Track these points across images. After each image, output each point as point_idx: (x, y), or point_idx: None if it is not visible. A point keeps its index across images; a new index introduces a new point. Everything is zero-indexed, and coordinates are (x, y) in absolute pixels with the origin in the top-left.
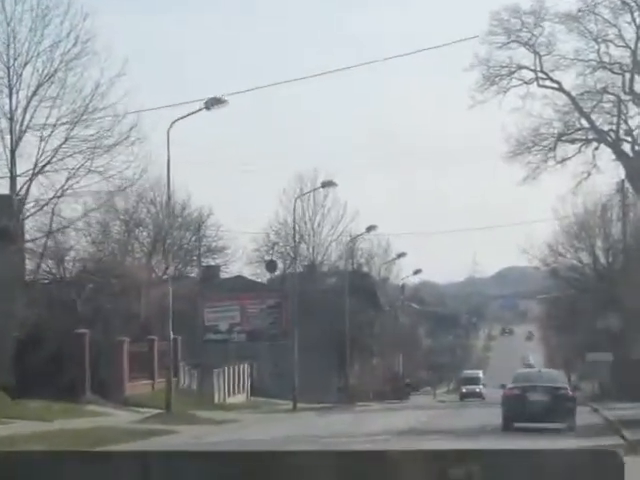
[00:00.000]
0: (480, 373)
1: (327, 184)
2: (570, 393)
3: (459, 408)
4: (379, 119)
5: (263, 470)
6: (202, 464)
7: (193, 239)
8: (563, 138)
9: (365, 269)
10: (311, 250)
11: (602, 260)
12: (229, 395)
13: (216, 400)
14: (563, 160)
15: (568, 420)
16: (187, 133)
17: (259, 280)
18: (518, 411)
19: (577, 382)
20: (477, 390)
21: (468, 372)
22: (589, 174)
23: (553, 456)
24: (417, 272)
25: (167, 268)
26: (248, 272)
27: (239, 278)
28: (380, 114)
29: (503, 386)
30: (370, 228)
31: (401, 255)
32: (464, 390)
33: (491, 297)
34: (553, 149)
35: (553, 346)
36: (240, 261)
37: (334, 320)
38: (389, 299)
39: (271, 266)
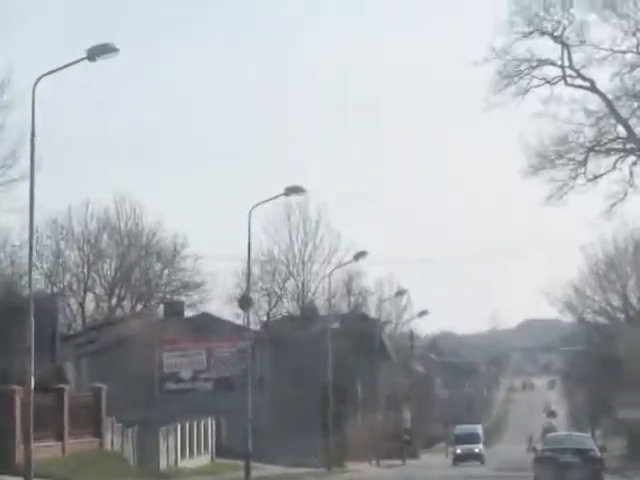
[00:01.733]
0: (479, 429)
1: (293, 190)
2: (598, 455)
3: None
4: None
5: None
6: None
7: (163, 271)
8: (595, 149)
9: (370, 314)
10: (300, 286)
11: (634, 302)
12: (184, 457)
13: (163, 465)
14: (595, 178)
15: None
16: None
17: (239, 322)
18: (549, 472)
19: (603, 440)
20: (476, 451)
21: (463, 427)
22: (625, 195)
23: None
24: (422, 313)
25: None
26: (229, 312)
27: (205, 316)
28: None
29: (534, 449)
30: (359, 255)
31: (402, 292)
32: (458, 451)
33: (512, 349)
34: (583, 163)
35: (577, 400)
36: (219, 299)
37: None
38: (397, 347)
39: (245, 302)
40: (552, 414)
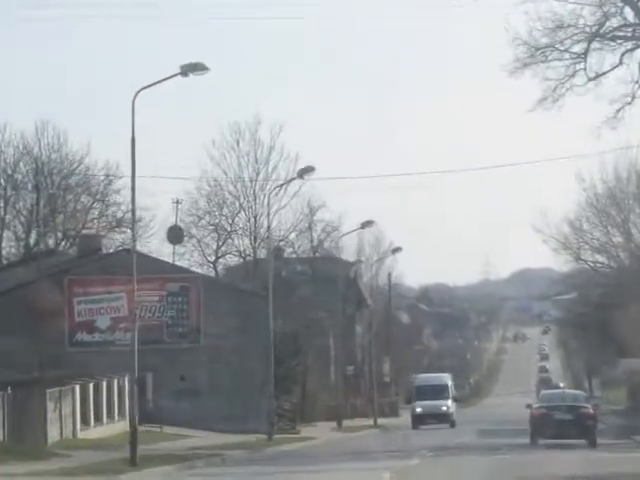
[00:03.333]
0: (447, 379)
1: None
2: (591, 411)
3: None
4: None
5: None
6: None
7: (93, 205)
8: (597, 38)
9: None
10: (252, 220)
11: (638, 239)
12: (86, 426)
13: (54, 438)
14: (597, 76)
15: (589, 437)
16: None
17: (180, 263)
18: (544, 429)
19: (601, 390)
20: (443, 409)
21: (425, 377)
22: (633, 97)
23: None
24: (396, 250)
25: None
26: (170, 252)
27: (128, 253)
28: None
29: (529, 406)
30: (304, 171)
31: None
32: (418, 410)
33: (505, 299)
34: (583, 57)
35: (572, 349)
36: (158, 236)
37: (288, 319)
38: (379, 294)
39: (174, 235)
40: (545, 370)
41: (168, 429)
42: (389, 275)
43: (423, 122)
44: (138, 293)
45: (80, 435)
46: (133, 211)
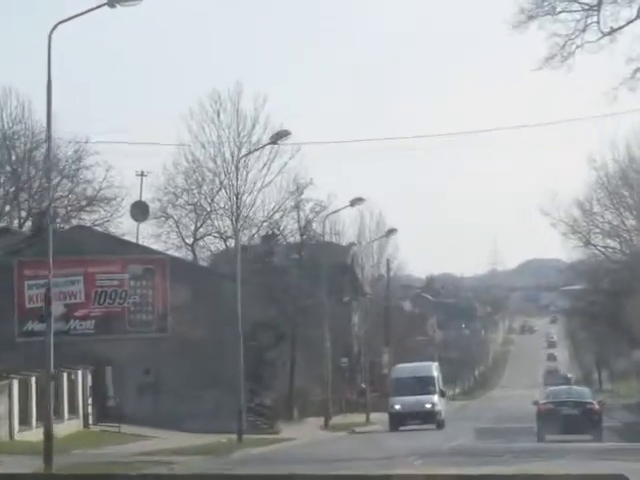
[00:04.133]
0: (433, 369)
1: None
2: (596, 407)
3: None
4: None
5: None
6: None
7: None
8: None
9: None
10: (234, 199)
11: None
12: (26, 426)
13: None
14: (612, 31)
15: (595, 432)
16: None
17: (156, 244)
18: (551, 424)
19: (610, 383)
20: (427, 407)
21: (406, 368)
22: None
23: None
24: (391, 232)
25: None
26: (145, 233)
27: (87, 232)
28: None
29: (536, 402)
30: (278, 136)
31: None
32: (397, 407)
33: (512, 289)
34: (596, 9)
35: (580, 340)
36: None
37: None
38: (376, 283)
39: (139, 211)
40: (553, 357)
41: (128, 429)
42: (387, 261)
43: (421, 97)
44: (97, 276)
45: (17, 437)
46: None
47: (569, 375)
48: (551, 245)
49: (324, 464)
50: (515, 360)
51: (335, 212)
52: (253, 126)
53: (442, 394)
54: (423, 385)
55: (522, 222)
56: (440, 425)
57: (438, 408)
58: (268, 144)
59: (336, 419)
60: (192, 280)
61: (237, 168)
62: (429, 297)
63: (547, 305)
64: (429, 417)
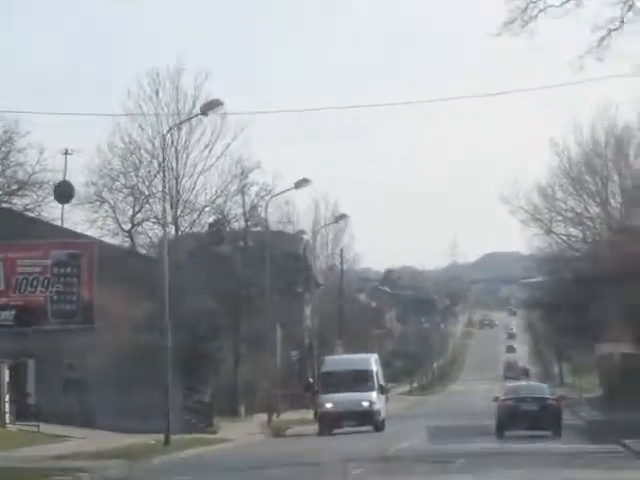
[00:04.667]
0: (371, 361)
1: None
2: (556, 403)
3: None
4: None
5: None
6: None
7: None
8: None
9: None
10: (172, 184)
11: (616, 210)
12: None
13: None
14: None
15: (554, 428)
16: None
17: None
18: (511, 420)
19: (571, 376)
20: (363, 405)
21: (339, 360)
22: (621, 23)
23: None
24: (340, 218)
25: None
26: (79, 218)
27: (6, 213)
28: None
29: (496, 398)
30: (208, 107)
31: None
32: (328, 406)
33: (472, 281)
34: None
35: (540, 334)
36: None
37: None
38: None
39: (62, 191)
40: (512, 349)
41: (49, 428)
42: (341, 251)
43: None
44: (18, 262)
45: None
46: None
47: (528, 367)
48: (512, 237)
49: (249, 472)
50: (475, 353)
51: (279, 194)
52: (194, 104)
53: (382, 390)
54: (359, 380)
55: (482, 211)
56: (379, 427)
57: (377, 407)
58: (198, 115)
59: (285, 415)
60: (123, 268)
61: (176, 149)
62: (387, 289)
63: (507, 297)
64: (366, 417)
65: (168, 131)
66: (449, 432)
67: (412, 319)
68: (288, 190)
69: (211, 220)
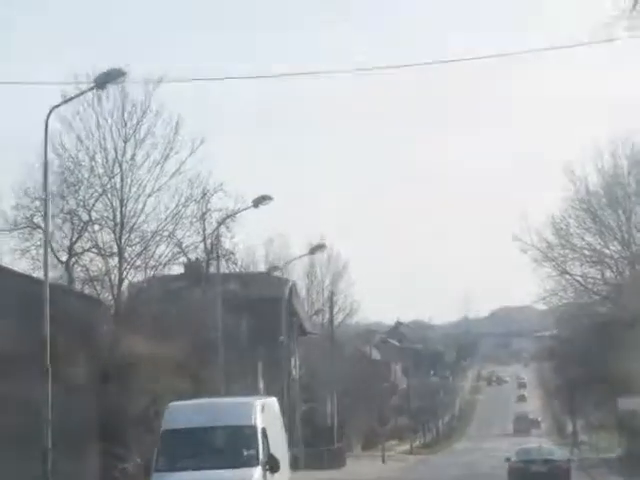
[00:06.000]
0: (256, 409)
1: None
2: (565, 466)
3: None
4: None
5: None
6: None
7: None
8: None
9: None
10: (117, 205)
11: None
12: None
13: None
14: None
15: None
16: None
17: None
18: None
19: (587, 434)
20: None
21: (190, 408)
22: None
23: None
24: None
25: None
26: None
27: None
28: None
29: (508, 459)
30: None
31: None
32: None
33: (483, 335)
34: None
35: (553, 388)
36: None
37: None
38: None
39: None
40: (523, 397)
41: None
42: (331, 294)
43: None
44: None
45: None
46: None
47: (539, 419)
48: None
49: None
50: (484, 409)
51: (235, 214)
52: (143, 114)
53: (272, 466)
54: (229, 446)
55: (493, 257)
56: None
57: None
58: (93, 88)
59: None
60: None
61: (121, 166)
62: (395, 343)
63: (518, 351)
64: None
65: (55, 107)
66: None
67: (420, 373)
68: (246, 209)
69: (184, 260)
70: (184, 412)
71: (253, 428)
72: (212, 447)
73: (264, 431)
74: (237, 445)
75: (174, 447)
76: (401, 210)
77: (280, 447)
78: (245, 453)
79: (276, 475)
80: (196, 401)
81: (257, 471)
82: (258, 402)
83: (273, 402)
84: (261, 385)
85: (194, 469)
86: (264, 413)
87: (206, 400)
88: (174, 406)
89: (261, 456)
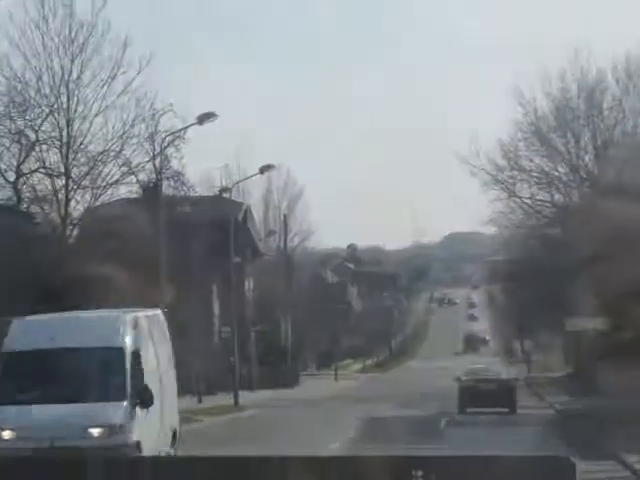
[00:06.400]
0: (126, 326)
1: None
2: (512, 384)
3: None
4: None
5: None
6: None
7: None
8: None
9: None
10: (64, 125)
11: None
12: None
13: None
14: None
15: (510, 405)
16: None
17: None
18: (471, 399)
19: (535, 352)
20: (91, 434)
21: (35, 324)
22: None
23: (508, 461)
24: (266, 168)
25: None
26: None
27: None
28: None
29: (458, 379)
30: None
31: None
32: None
33: (434, 260)
34: None
35: (502, 309)
36: None
37: None
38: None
39: None
40: (474, 317)
41: None
42: (284, 217)
43: None
44: None
45: None
46: None
47: (487, 337)
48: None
49: None
50: (436, 329)
51: (181, 131)
52: (90, 34)
53: (143, 400)
54: (87, 375)
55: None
56: None
57: (127, 439)
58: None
59: (207, 400)
60: None
61: (67, 86)
62: (351, 266)
63: (469, 275)
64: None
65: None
66: (384, 427)
67: (374, 296)
68: (191, 125)
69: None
70: (32, 330)
71: (120, 351)
72: (66, 375)
73: (136, 355)
74: (98, 373)
75: (16, 374)
76: (357, 137)
77: (165, 376)
78: (108, 383)
79: (151, 410)
80: (49, 316)
81: (121, 407)
82: (129, 317)
83: (156, 316)
84: (216, 306)
85: (40, 402)
86: (137, 331)
87: (62, 315)
88: (20, 322)
89: (129, 387)
